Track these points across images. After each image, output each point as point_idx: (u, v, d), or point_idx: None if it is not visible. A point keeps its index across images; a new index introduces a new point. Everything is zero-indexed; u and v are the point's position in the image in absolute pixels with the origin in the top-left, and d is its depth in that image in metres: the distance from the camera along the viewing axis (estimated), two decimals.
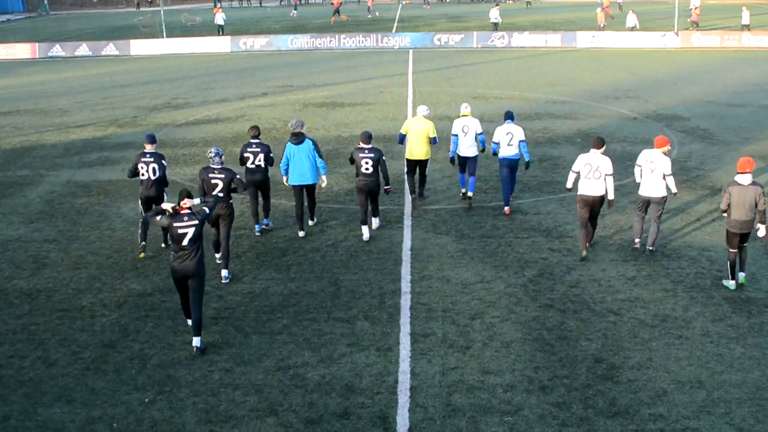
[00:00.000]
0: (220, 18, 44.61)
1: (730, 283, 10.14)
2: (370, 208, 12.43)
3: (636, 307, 9.55)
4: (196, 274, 8.84)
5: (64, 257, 11.58)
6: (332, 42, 40.95)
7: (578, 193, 11.21)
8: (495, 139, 12.98)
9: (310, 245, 11.75)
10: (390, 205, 13.53)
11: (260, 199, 12.69)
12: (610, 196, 11.16)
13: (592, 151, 11.36)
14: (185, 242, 8.91)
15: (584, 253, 11.14)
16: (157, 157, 11.70)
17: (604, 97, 24.27)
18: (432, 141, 13.40)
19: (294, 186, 12.29)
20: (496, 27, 43.98)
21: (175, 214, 9.00)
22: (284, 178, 12.44)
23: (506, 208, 13.13)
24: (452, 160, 13.53)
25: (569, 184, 11.60)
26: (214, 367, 8.47)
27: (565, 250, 11.31)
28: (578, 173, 11.27)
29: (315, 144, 12.46)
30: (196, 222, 9.01)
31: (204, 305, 9.69)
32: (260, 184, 12.31)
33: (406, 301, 9.80)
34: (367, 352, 8.65)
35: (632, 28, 40.55)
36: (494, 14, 44.17)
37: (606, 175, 11.04)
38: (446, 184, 14.85)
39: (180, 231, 8.98)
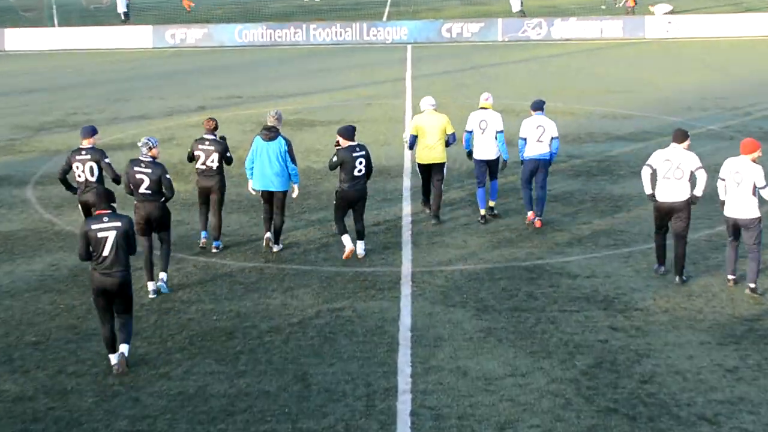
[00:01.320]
0: (121, 1, 44.88)
1: None
2: (355, 225, 14.05)
3: (741, 413, 9.49)
4: (120, 293, 10.36)
5: None
6: (297, 34, 41.63)
7: (655, 198, 12.57)
8: (522, 134, 14.49)
9: (267, 323, 11.73)
10: (381, 266, 13.57)
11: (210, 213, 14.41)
12: (698, 192, 12.32)
13: (672, 145, 12.39)
14: (106, 251, 10.18)
15: (662, 269, 12.73)
16: (97, 154, 13.31)
17: (686, 108, 24.67)
18: (449, 139, 15.12)
19: (261, 190, 14.10)
20: (523, 14, 44.87)
21: (93, 216, 10.15)
22: (249, 182, 14.25)
23: (536, 219, 14.34)
24: (470, 154, 15.44)
25: (648, 188, 12.65)
26: None
27: (633, 329, 11.33)
28: (654, 170, 12.35)
29: (289, 144, 14.06)
30: (119, 224, 10.33)
31: (111, 413, 9.62)
32: (212, 191, 14.01)
33: (405, 404, 9.72)
34: None
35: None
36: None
37: (693, 170, 12.16)
38: (458, 216, 15.04)
39: (99, 235, 10.23)
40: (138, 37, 42.23)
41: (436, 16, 47.30)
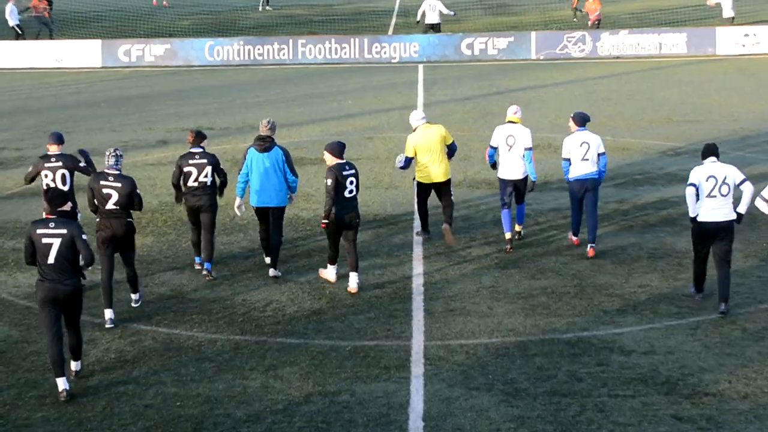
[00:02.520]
0: (11, 14, 44.46)
1: None
2: (348, 256, 15.42)
3: None
4: (72, 303, 11.97)
5: None
6: (282, 52, 42.02)
7: (697, 219, 14.08)
8: (565, 154, 15.85)
9: (244, 410, 11.74)
10: (386, 338, 13.62)
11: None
12: (742, 209, 14.06)
13: (710, 160, 14.23)
14: (50, 258, 11.75)
15: (698, 297, 14.53)
16: (69, 161, 15.08)
17: None
18: (451, 149, 16.88)
19: (256, 208, 15.87)
20: (576, 12, 44.87)
21: (40, 219, 11.68)
22: (237, 200, 16.06)
23: (589, 248, 15.62)
24: (494, 165, 17.09)
25: (693, 210, 14.12)
26: None
27: (704, 420, 11.32)
28: (697, 188, 13.97)
29: (286, 154, 15.88)
30: (64, 231, 11.79)
31: None
32: (202, 210, 15.72)
33: None
34: None
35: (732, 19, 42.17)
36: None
37: (737, 185, 13.92)
38: (479, 261, 15.13)
39: (44, 241, 11.75)
40: (83, 53, 42.53)
41: (453, 28, 47.67)
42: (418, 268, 16.45)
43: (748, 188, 14.06)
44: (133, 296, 14.85)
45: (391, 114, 29.73)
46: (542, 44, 41.41)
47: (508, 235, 16.89)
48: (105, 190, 14.07)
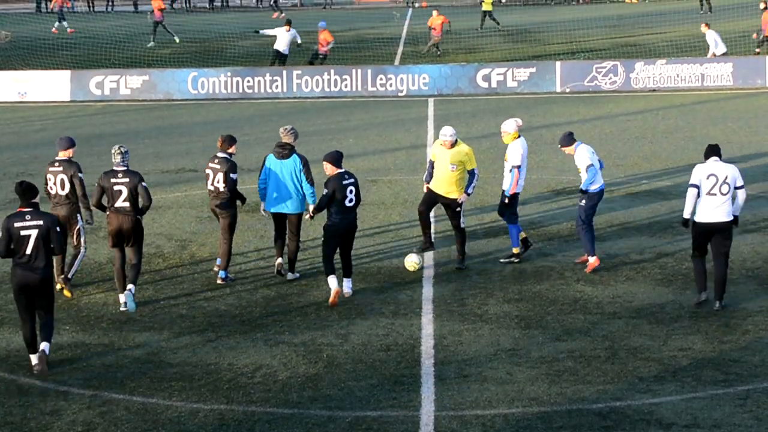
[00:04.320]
0: None
1: None
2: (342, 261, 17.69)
3: None
4: (42, 290, 14.57)
5: None
6: (275, 84, 42.22)
7: (696, 220, 16.38)
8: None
9: None
10: (391, 408, 13.56)
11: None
12: (737, 211, 16.51)
13: (712, 159, 16.47)
14: (28, 249, 14.36)
15: (703, 296, 16.69)
16: (71, 168, 17.62)
17: None
18: (471, 175, 19.19)
19: (273, 213, 18.37)
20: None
21: (16, 213, 14.11)
22: (262, 204, 18.62)
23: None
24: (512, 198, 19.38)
25: (689, 211, 16.50)
26: None
27: None
28: (698, 189, 16.28)
29: (305, 163, 18.23)
30: (40, 223, 14.43)
31: None
32: (220, 213, 18.40)
33: None
34: None
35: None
36: None
37: (736, 187, 16.26)
38: (495, 313, 15.00)
39: (22, 233, 14.37)
40: (49, 85, 42.59)
41: (468, 58, 47.96)
42: (428, 327, 16.43)
43: (742, 195, 16.60)
44: (129, 286, 17.14)
45: (398, 154, 29.79)
46: (568, 75, 41.57)
47: (515, 250, 19.41)
48: (116, 187, 16.99)
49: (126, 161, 17.17)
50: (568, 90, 41.19)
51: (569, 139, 19.12)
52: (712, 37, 42.29)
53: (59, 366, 15.00)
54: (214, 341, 16.06)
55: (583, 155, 18.85)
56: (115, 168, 17.13)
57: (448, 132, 19.11)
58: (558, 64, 42.36)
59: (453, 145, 19.07)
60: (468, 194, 19.26)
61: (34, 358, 14.82)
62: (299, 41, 45.08)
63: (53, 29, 63.02)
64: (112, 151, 17.22)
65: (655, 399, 13.72)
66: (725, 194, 16.30)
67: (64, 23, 64.28)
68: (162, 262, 20.06)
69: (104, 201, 17.36)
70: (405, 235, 21.36)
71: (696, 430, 12.79)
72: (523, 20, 65.22)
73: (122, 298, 17.27)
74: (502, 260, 19.47)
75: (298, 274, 18.64)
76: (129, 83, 42.45)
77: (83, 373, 14.75)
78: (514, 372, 14.65)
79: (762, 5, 48.06)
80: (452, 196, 19.19)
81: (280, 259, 18.58)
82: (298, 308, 17.43)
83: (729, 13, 59.31)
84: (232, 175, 18.15)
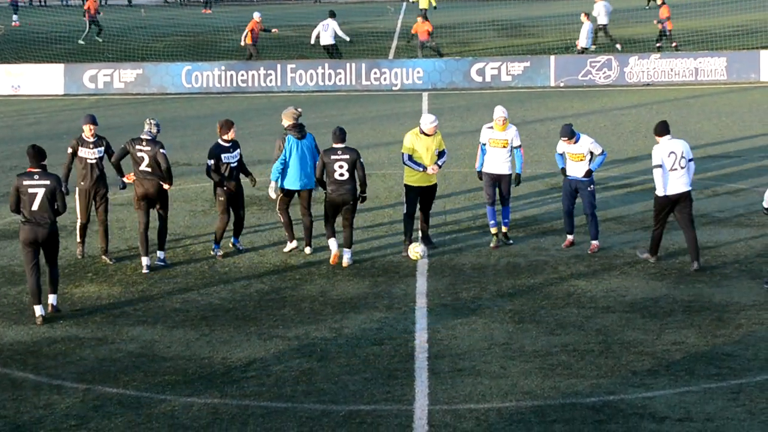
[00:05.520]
0: None
1: None
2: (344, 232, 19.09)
3: None
4: (49, 242, 16.34)
5: None
6: (269, 78, 42.15)
7: (660, 194, 18.11)
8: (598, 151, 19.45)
9: None
10: (385, 402, 13.56)
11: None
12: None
13: (667, 137, 18.18)
14: (35, 205, 16.10)
15: (653, 259, 18.69)
16: (103, 143, 19.63)
17: None
18: (443, 153, 19.76)
19: (290, 190, 19.58)
20: (604, 32, 45.56)
21: (25, 173, 16.34)
22: (273, 184, 19.80)
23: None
24: (480, 174, 20.16)
25: (661, 190, 18.10)
26: None
27: None
28: (662, 167, 17.93)
29: (314, 139, 20.00)
30: (47, 182, 16.23)
31: None
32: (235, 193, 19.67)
33: None
34: None
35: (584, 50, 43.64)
36: (600, 11, 45.60)
37: (689, 160, 18.24)
38: (487, 309, 15.03)
39: (30, 191, 16.15)
40: (43, 78, 42.50)
41: (463, 52, 47.88)
42: (421, 321, 16.44)
43: (692, 167, 18.38)
44: (159, 253, 19.14)
45: (392, 148, 29.72)
46: (562, 70, 41.54)
47: (493, 230, 19.98)
48: (139, 154, 18.77)
49: (153, 133, 18.99)
50: (562, 84, 41.17)
51: (572, 132, 19.41)
52: (586, 30, 43.58)
53: (52, 359, 14.99)
54: (208, 335, 16.06)
55: (589, 142, 19.43)
56: (141, 136, 18.94)
57: (431, 118, 19.61)
58: (552, 58, 42.31)
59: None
60: (439, 166, 19.71)
61: (38, 309, 16.34)
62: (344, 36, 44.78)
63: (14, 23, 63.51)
64: (146, 122, 19.16)
65: (649, 393, 13.74)
66: (684, 167, 18.13)
67: (14, 17, 64.74)
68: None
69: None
70: (398, 229, 21.32)
71: (689, 424, 12.81)
72: (517, 14, 65.10)
73: (145, 261, 18.79)
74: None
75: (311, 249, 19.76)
76: (123, 77, 42.36)
77: (76, 366, 14.75)
78: (508, 366, 14.66)
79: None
80: (434, 181, 19.85)
81: (294, 242, 19.83)
82: (291, 302, 17.42)
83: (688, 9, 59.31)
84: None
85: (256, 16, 45.40)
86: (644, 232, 20.55)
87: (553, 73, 41.39)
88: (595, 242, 19.61)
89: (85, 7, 55.53)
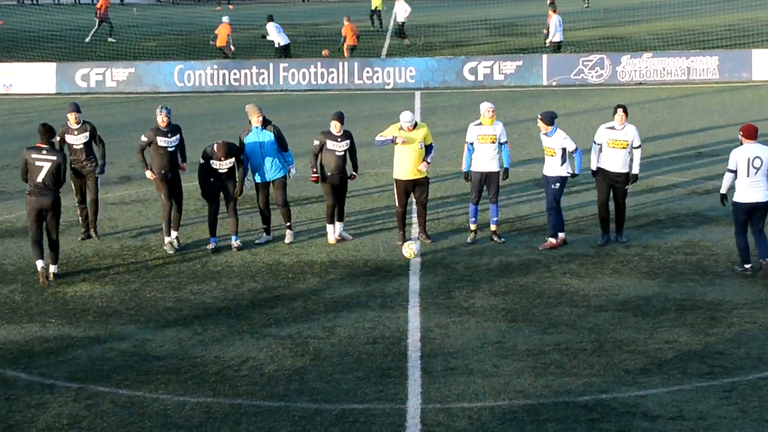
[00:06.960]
0: None
1: None
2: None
3: None
4: (52, 210, 18.07)
5: None
6: (262, 77, 42.18)
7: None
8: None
9: None
10: (377, 401, 13.57)
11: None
12: (635, 170, 19.49)
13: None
14: (39, 178, 17.87)
15: (604, 240, 19.66)
16: (88, 127, 20.94)
17: None
18: (431, 148, 20.43)
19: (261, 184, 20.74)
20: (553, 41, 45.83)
21: (34, 147, 18.09)
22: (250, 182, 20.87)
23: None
24: (467, 175, 20.46)
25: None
26: None
27: None
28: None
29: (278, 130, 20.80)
30: (54, 158, 17.97)
31: None
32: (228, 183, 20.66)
33: None
34: None
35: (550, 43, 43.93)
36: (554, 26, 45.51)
37: (634, 147, 19.24)
38: (481, 305, 15.03)
39: (37, 164, 17.90)
40: (35, 77, 42.50)
41: (455, 51, 47.89)
42: (414, 320, 16.45)
43: (637, 153, 19.58)
44: (173, 233, 20.33)
45: (384, 147, 29.68)
46: (555, 68, 41.60)
47: (473, 227, 20.27)
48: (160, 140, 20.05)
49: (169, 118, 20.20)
50: (554, 83, 41.22)
51: (551, 119, 19.78)
52: (554, 23, 43.88)
53: (45, 359, 14.98)
54: (201, 334, 16.06)
55: (564, 138, 19.71)
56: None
57: (410, 116, 20.30)
58: (545, 57, 42.36)
59: (415, 126, 20.27)
60: (428, 163, 20.22)
61: (40, 263, 18.02)
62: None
63: None
64: (157, 111, 20.11)
65: (641, 391, 13.76)
66: (625, 149, 19.42)
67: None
68: (148, 254, 20.05)
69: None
70: (391, 228, 21.33)
71: (681, 423, 12.83)
72: (510, 13, 65.12)
73: (167, 239, 20.12)
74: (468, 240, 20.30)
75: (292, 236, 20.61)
76: (115, 76, 42.38)
77: (69, 366, 14.74)
78: (501, 365, 14.67)
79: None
80: (423, 174, 20.26)
81: (271, 236, 20.73)
82: (284, 301, 17.42)
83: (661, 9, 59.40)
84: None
85: (226, 19, 46.46)
86: (636, 230, 20.56)
87: (546, 72, 41.46)
88: (551, 240, 19.73)
89: (98, 6, 55.56)
